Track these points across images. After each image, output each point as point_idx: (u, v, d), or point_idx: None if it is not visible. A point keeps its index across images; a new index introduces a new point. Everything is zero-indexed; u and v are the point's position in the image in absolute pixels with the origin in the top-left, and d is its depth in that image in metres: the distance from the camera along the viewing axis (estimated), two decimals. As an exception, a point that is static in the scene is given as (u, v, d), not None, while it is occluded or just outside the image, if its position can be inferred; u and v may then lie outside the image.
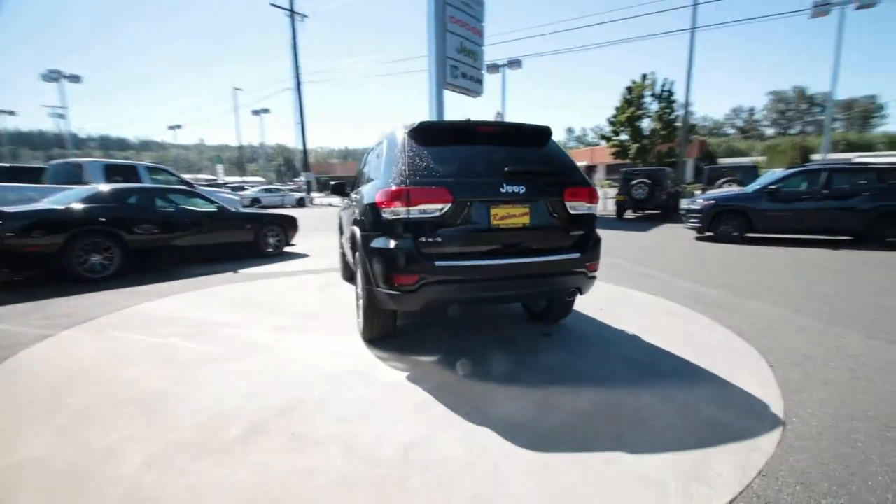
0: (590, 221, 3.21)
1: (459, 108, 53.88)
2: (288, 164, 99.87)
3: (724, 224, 9.33)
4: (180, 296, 5.16)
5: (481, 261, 2.86)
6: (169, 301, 4.91)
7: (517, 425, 2.30)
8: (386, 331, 3.41)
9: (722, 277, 6.01)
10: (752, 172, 16.02)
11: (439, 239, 2.84)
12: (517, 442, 2.14)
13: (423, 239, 2.82)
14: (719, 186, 15.16)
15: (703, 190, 15.73)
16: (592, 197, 3.17)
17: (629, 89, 32.08)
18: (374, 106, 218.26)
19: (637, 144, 30.44)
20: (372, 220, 3.08)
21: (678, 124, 30.30)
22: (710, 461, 2.01)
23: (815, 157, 39.01)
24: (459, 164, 3.00)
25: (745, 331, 3.79)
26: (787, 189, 8.93)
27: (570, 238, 3.13)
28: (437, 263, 2.79)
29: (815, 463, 1.99)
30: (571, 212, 3.10)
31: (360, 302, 3.60)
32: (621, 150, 31.57)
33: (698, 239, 9.89)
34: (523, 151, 3.18)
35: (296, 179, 58.54)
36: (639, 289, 5.38)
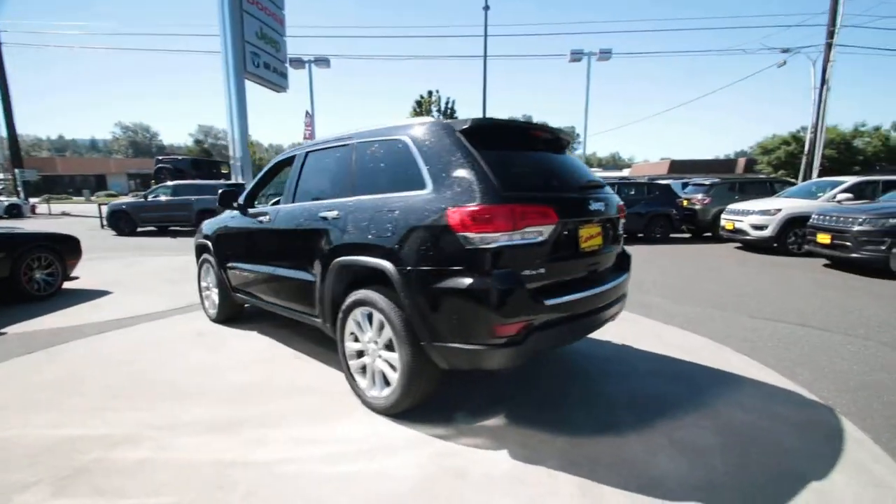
0: (622, 240, 3.09)
1: (258, 104, 47.97)
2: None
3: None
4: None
5: (581, 293, 2.37)
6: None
7: (709, 487, 1.96)
8: (426, 397, 2.51)
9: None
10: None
11: (543, 270, 2.22)
12: (743, 509, 1.81)
13: (527, 272, 2.16)
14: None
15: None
16: (623, 212, 3.05)
17: (419, 103, 34.43)
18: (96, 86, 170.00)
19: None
20: (437, 248, 2.19)
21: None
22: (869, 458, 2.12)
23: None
24: (543, 177, 2.43)
25: (684, 325, 4.35)
26: (594, 198, 11.04)
27: (618, 258, 2.94)
28: (548, 302, 2.18)
29: (904, 441, 2.34)
30: (620, 229, 2.92)
31: (373, 362, 2.58)
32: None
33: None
34: (572, 162, 2.81)
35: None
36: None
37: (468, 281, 2.10)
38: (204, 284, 4.64)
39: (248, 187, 3.95)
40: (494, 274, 2.09)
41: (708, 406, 2.69)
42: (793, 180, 14.37)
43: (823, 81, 17.61)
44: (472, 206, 2.09)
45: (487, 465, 2.09)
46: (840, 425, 2.49)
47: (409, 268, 2.26)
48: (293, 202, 3.28)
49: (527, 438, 2.33)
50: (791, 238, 8.58)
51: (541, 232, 2.19)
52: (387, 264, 2.35)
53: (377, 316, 2.49)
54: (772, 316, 4.65)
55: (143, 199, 13.50)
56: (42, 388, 2.93)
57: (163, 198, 13.25)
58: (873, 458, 2.17)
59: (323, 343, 3.74)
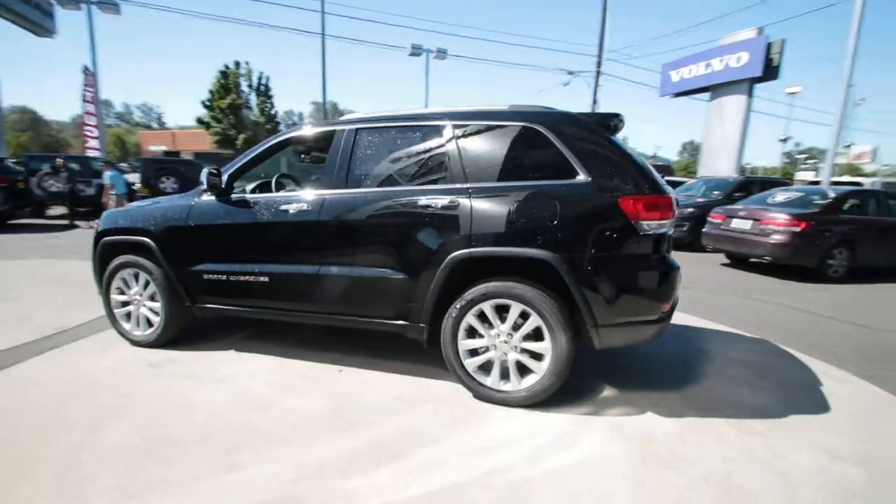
0: None
1: None
2: None
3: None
4: None
5: None
6: None
7: (783, 402, 2.66)
8: None
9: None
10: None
11: (668, 255, 2.56)
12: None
13: (667, 256, 2.47)
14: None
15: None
16: None
17: (224, 74, 29.94)
18: None
19: (244, 135, 29.16)
20: (609, 235, 2.32)
21: (289, 119, 31.43)
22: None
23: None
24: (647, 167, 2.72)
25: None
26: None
27: None
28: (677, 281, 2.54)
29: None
30: None
31: (504, 356, 2.51)
32: (226, 140, 29.34)
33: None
34: None
35: None
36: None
37: (643, 264, 2.31)
38: (122, 298, 3.37)
39: (231, 169, 3.07)
40: (659, 257, 2.34)
41: (716, 353, 3.47)
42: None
43: (595, 100, 22.76)
44: (646, 195, 2.28)
45: (657, 427, 2.35)
46: (784, 349, 3.61)
47: (575, 256, 2.30)
48: (346, 188, 2.77)
49: (649, 399, 2.65)
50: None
51: (671, 222, 2.53)
52: (545, 253, 2.31)
53: (516, 307, 2.42)
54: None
55: None
56: (14, 469, 1.81)
57: None
58: (826, 367, 3.26)
59: (342, 349, 3.26)
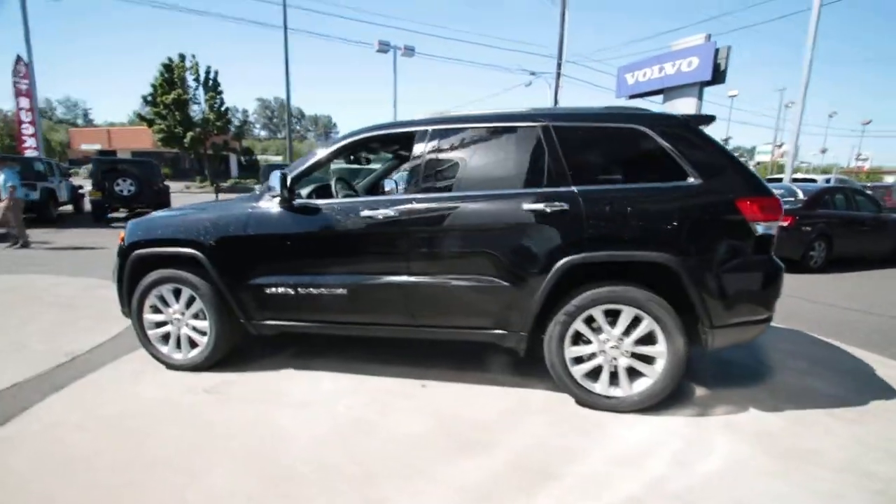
0: None
1: None
2: None
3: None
4: None
5: None
6: None
7: (852, 390, 2.82)
8: None
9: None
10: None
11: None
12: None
13: (774, 257, 2.52)
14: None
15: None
16: None
17: (168, 67, 27.87)
18: None
19: (191, 133, 27.31)
20: (728, 236, 2.37)
21: (231, 117, 29.72)
22: (867, 359, 3.42)
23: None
24: None
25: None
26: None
27: None
28: None
29: (849, 340, 3.83)
30: None
31: (615, 360, 2.47)
32: (171, 137, 27.33)
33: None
34: None
35: None
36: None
37: (758, 265, 2.35)
38: (158, 318, 3.01)
39: (295, 171, 2.81)
40: (769, 258, 2.40)
41: (762, 345, 3.58)
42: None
43: (556, 101, 23.41)
44: (760, 197, 2.32)
45: (767, 423, 2.40)
46: (818, 338, 3.83)
47: (694, 257, 2.30)
48: (436, 192, 2.61)
49: (740, 396, 2.71)
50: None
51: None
52: (665, 256, 2.30)
53: (629, 312, 2.39)
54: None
55: None
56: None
57: None
58: (865, 353, 3.48)
59: (410, 362, 3.09)
